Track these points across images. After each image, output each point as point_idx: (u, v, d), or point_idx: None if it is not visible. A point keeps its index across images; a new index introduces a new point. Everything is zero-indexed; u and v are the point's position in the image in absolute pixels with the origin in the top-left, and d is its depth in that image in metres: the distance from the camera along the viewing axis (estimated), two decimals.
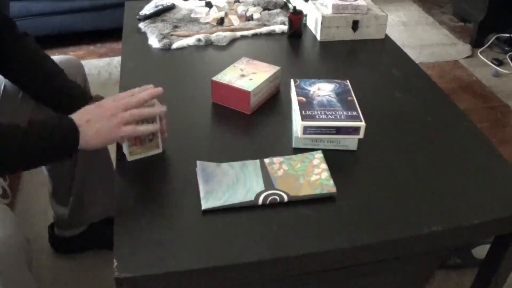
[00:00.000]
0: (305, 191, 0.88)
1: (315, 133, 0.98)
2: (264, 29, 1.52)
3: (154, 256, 0.76)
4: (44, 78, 1.11)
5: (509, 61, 2.61)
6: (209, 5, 1.65)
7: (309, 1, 1.57)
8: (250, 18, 1.59)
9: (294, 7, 1.48)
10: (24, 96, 1.17)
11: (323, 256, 0.79)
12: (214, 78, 1.13)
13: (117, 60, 2.55)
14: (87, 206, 1.39)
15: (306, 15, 1.59)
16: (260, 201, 0.86)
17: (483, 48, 2.74)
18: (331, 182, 0.90)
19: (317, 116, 0.98)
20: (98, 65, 2.53)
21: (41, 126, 0.84)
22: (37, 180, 1.74)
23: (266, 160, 0.95)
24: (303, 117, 0.98)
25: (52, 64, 1.14)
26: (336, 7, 1.47)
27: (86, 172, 1.34)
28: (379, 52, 1.46)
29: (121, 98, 0.90)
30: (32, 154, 0.83)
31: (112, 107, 0.88)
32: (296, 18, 1.47)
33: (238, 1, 1.69)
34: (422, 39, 2.91)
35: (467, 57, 2.70)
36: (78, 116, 0.86)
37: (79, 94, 1.13)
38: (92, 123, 0.85)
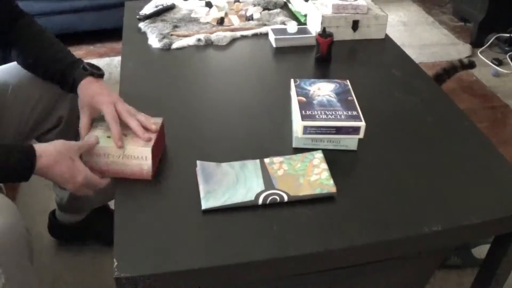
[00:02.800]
0: (305, 191, 0.88)
1: (315, 133, 0.98)
2: (264, 29, 1.52)
3: (154, 256, 0.76)
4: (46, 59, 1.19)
5: (509, 61, 2.61)
6: (209, 5, 1.65)
7: (309, 1, 1.57)
8: (250, 18, 1.59)
9: (324, 28, 1.34)
10: (14, 91, 1.16)
11: (323, 256, 0.79)
12: None
13: (117, 60, 2.55)
14: None
15: (306, 15, 1.59)
16: (260, 201, 0.86)
17: (483, 48, 2.74)
18: (331, 182, 0.90)
19: (317, 116, 0.98)
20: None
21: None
22: (37, 179, 1.74)
23: (266, 160, 0.95)
24: (303, 117, 0.98)
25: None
26: (336, 7, 1.47)
27: None
28: (379, 52, 1.46)
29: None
30: None
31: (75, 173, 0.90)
32: (324, 41, 1.32)
33: (238, 1, 1.69)
34: (422, 39, 2.90)
35: (467, 57, 2.69)
36: (45, 149, 0.89)
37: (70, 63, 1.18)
38: (57, 165, 0.89)
